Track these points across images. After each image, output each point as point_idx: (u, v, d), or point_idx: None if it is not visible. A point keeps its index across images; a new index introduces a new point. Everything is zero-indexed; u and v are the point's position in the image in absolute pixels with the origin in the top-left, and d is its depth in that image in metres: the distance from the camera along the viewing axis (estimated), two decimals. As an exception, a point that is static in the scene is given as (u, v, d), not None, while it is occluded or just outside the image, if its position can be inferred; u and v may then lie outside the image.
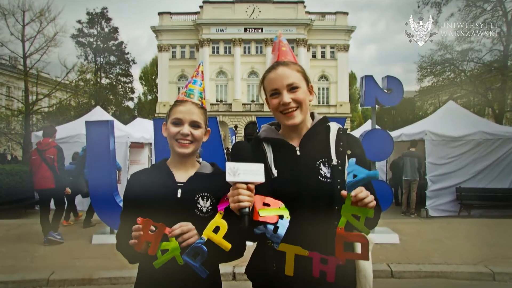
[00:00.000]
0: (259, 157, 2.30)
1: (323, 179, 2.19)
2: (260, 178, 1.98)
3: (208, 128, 2.52)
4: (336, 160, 2.24)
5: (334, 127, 2.39)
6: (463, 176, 13.46)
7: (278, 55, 2.43)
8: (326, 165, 2.23)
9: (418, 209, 13.77)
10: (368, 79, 9.47)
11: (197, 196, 2.33)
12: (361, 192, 1.88)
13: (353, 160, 2.04)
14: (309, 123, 2.42)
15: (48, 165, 9.65)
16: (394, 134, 13.98)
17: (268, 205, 2.02)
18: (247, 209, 1.92)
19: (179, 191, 2.34)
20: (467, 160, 13.44)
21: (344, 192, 1.93)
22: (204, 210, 2.30)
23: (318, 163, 2.24)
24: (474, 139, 13.37)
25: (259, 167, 1.99)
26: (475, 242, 9.27)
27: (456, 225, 11.54)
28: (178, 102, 2.45)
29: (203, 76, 2.59)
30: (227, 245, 2.01)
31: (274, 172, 2.25)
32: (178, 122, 2.39)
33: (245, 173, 1.96)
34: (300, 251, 2.07)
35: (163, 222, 2.10)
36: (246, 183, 1.96)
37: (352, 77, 67.14)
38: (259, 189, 2.03)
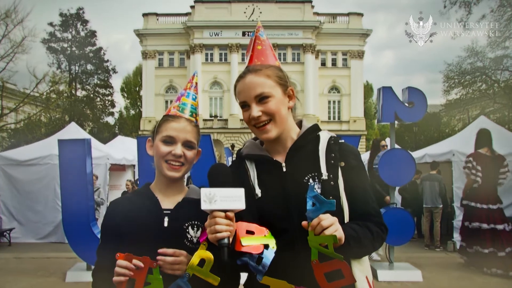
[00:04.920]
0: (241, 177, 2.34)
1: None
2: (240, 204, 2.00)
3: (199, 149, 2.52)
4: (327, 174, 2.26)
5: (324, 136, 2.42)
6: (496, 204, 13.34)
7: (251, 58, 2.45)
8: (316, 180, 2.26)
9: (444, 241, 13.73)
10: (386, 91, 9.51)
11: (186, 224, 2.35)
12: (320, 221, 1.94)
13: (313, 184, 2.08)
14: (295, 133, 2.44)
15: None
16: (416, 154, 14.01)
17: (252, 233, 2.06)
18: (226, 240, 1.95)
19: (166, 219, 2.35)
20: (502, 186, 13.35)
21: (304, 223, 1.98)
22: (195, 240, 2.31)
23: (306, 178, 2.27)
24: (510, 161, 13.29)
25: (239, 193, 2.01)
26: (511, 279, 9.25)
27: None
28: (170, 117, 2.43)
29: (197, 89, 2.60)
30: (216, 279, 2.03)
31: (258, 192, 2.29)
32: (170, 141, 2.37)
33: (222, 199, 1.98)
34: (285, 285, 2.10)
35: (148, 255, 2.11)
36: (224, 211, 2.00)
37: (367, 88, 67.24)
38: (242, 212, 2.06)
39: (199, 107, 2.59)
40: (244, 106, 2.31)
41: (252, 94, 2.26)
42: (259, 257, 1.99)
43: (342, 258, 1.96)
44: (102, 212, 13.63)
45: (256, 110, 2.25)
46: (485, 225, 9.75)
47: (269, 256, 1.99)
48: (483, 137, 10.27)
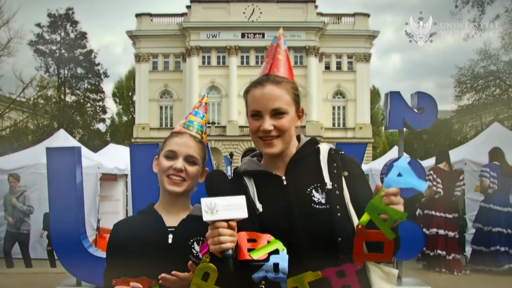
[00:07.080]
0: (240, 194, 2.32)
1: (318, 206, 2.25)
2: (243, 213, 2.03)
3: (206, 168, 2.59)
4: (331, 183, 2.29)
5: (324, 148, 2.46)
6: (512, 216, 13.32)
7: (271, 66, 2.46)
8: (320, 191, 2.28)
9: (456, 256, 13.70)
10: (394, 96, 9.47)
11: (192, 240, 2.40)
12: (397, 193, 1.95)
13: (407, 159, 2.05)
14: (294, 148, 2.47)
15: None
16: (426, 163, 13.99)
17: (254, 240, 2.08)
18: (230, 251, 1.98)
19: (170, 236, 2.41)
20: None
21: (379, 184, 2.00)
22: (201, 256, 2.31)
23: (309, 189, 2.31)
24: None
25: (240, 201, 2.04)
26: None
27: (503, 275, 11.49)
28: (174, 134, 2.56)
29: (206, 108, 2.71)
30: None
31: (259, 207, 2.31)
32: (172, 156, 2.47)
33: (224, 209, 2.01)
34: (311, 275, 2.11)
35: (153, 273, 2.17)
36: (227, 221, 2.02)
37: (374, 93, 67.30)
38: (244, 228, 2.10)
39: (207, 126, 2.69)
40: (256, 115, 2.33)
41: (269, 106, 2.29)
42: (275, 264, 2.00)
43: (393, 236, 1.96)
44: (32, 223, 13.33)
45: (268, 124, 2.28)
46: (441, 231, 11.42)
47: (283, 259, 2.01)
48: (442, 154, 12.27)
